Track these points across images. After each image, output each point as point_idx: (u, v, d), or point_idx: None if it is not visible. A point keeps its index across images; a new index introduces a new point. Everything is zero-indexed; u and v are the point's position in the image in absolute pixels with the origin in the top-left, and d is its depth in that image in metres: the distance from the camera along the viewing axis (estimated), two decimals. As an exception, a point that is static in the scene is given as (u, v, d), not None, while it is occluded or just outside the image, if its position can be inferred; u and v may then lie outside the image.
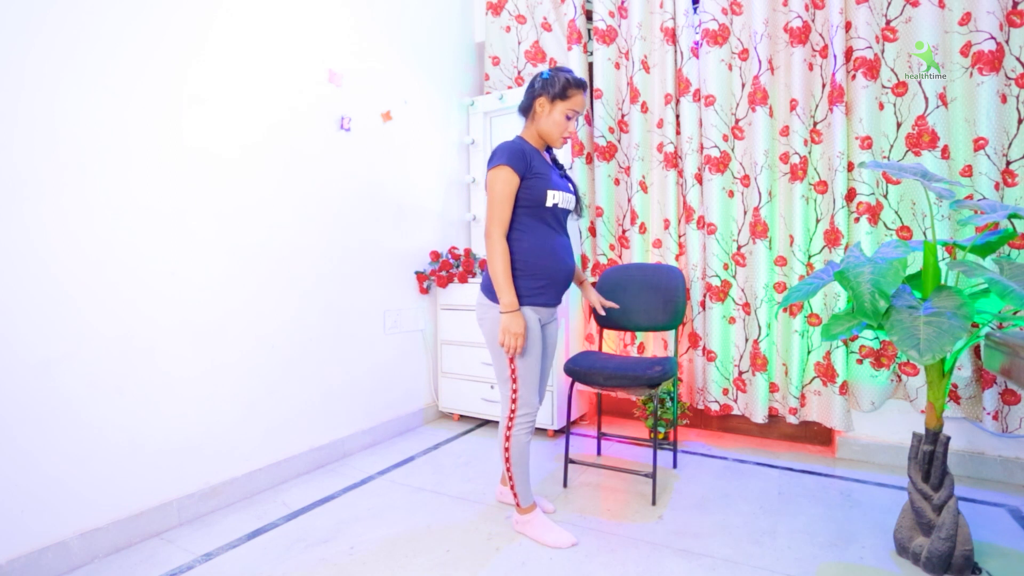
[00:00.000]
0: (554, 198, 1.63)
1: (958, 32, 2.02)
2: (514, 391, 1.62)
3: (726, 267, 2.48)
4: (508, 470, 1.65)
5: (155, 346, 1.73)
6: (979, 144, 1.97)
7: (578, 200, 1.77)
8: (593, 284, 2.41)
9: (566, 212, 1.70)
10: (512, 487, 1.66)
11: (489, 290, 1.64)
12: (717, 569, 1.50)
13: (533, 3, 3.01)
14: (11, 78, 1.42)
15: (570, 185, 1.75)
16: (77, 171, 1.54)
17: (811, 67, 2.30)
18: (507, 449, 1.64)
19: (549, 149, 1.77)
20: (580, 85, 1.63)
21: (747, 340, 2.45)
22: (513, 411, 1.63)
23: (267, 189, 2.07)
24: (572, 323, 2.72)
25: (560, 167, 1.78)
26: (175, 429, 1.78)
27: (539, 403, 1.69)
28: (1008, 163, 1.97)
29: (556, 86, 1.61)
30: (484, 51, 3.21)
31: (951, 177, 2.06)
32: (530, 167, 1.60)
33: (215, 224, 1.90)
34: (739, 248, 2.47)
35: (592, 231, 2.83)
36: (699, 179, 2.52)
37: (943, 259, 1.94)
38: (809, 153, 2.32)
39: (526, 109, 1.69)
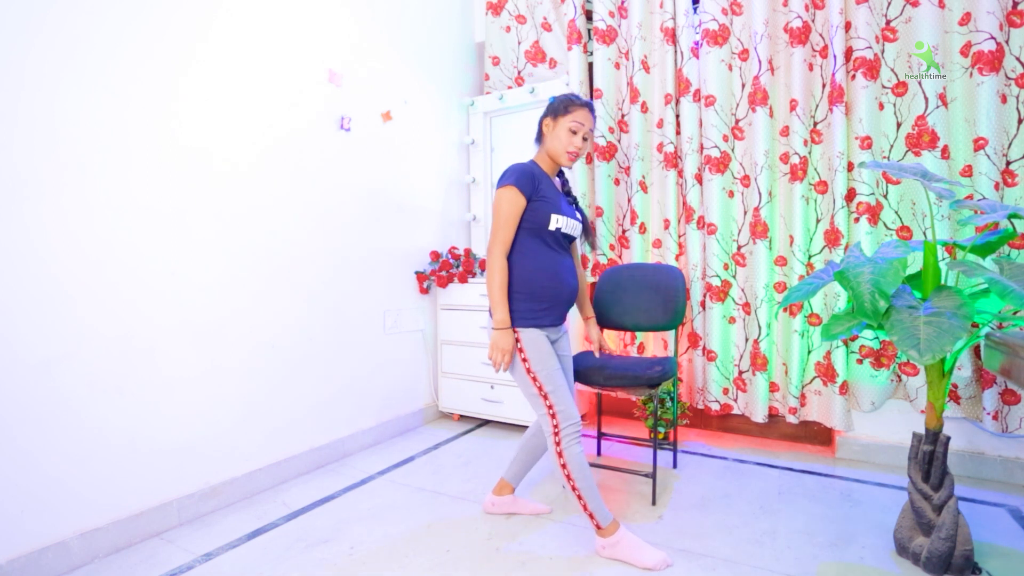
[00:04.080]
0: (557, 222, 1.63)
1: (958, 32, 2.02)
2: (549, 406, 1.57)
3: (726, 267, 2.48)
4: (573, 489, 1.54)
5: (155, 347, 1.73)
6: (979, 144, 1.97)
7: (586, 228, 1.79)
8: (592, 285, 2.41)
9: (570, 237, 1.70)
10: (585, 507, 1.55)
11: None
12: (717, 569, 1.50)
13: (533, 3, 3.01)
14: (11, 77, 1.42)
15: (578, 214, 1.75)
16: (77, 171, 1.54)
17: (811, 67, 2.30)
18: (564, 466, 1.54)
19: (561, 175, 1.78)
20: (582, 101, 1.65)
21: (747, 340, 2.45)
22: (556, 425, 1.56)
23: (267, 189, 2.07)
24: (572, 323, 2.72)
25: (571, 197, 1.78)
26: (175, 429, 1.78)
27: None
28: (1008, 163, 1.97)
29: (559, 104, 1.65)
30: (484, 51, 3.21)
31: (951, 177, 2.06)
32: (537, 190, 1.61)
33: (214, 224, 1.90)
34: (739, 248, 2.47)
35: (592, 231, 2.82)
36: (699, 179, 2.52)
37: (943, 259, 1.94)
38: (809, 153, 2.32)
39: (538, 136, 1.72)
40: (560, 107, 1.65)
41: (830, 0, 2.18)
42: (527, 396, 1.63)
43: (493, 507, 1.85)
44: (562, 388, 1.59)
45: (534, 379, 1.58)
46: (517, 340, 1.59)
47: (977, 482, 2.06)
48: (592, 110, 1.66)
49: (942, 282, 1.47)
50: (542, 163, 1.70)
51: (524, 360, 1.58)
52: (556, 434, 1.56)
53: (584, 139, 1.66)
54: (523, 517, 1.82)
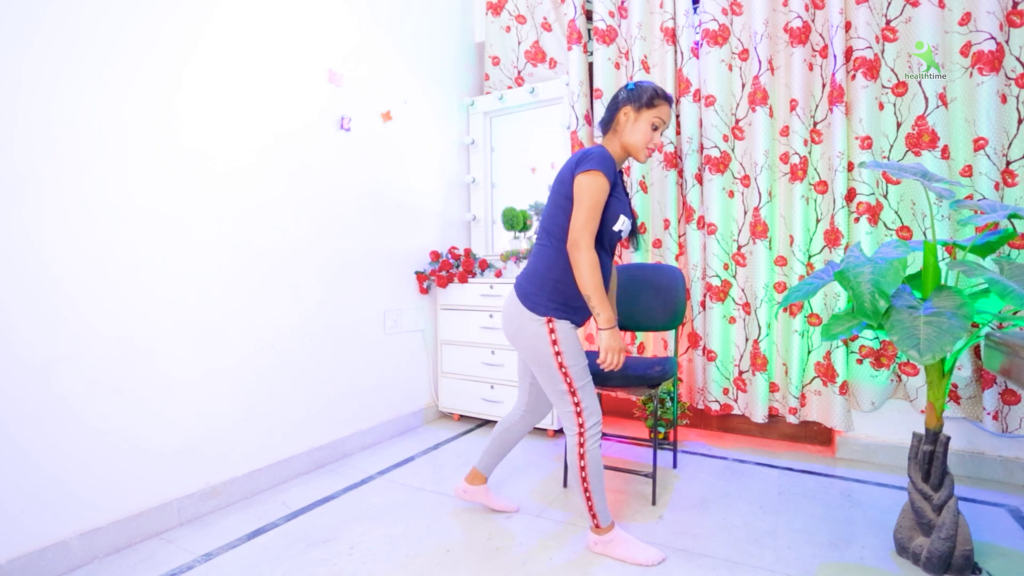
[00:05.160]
0: (622, 224, 1.55)
1: (958, 32, 2.02)
2: (577, 404, 1.53)
3: (726, 267, 2.48)
4: (586, 490, 1.53)
5: (155, 347, 1.73)
6: (979, 144, 1.97)
7: (634, 229, 1.68)
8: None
9: (620, 238, 1.63)
10: (590, 507, 1.55)
11: (530, 300, 1.54)
12: (717, 569, 1.50)
13: (533, 3, 3.01)
14: (9, 77, 1.41)
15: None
16: (76, 171, 1.54)
17: (811, 67, 2.30)
18: (583, 468, 1.52)
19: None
20: (667, 98, 1.57)
21: (747, 340, 2.45)
22: (582, 424, 1.52)
23: (266, 190, 2.07)
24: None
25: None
26: (175, 429, 1.78)
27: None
28: (1008, 163, 1.97)
29: (643, 96, 1.55)
30: (484, 51, 3.21)
31: (951, 177, 2.06)
32: (616, 184, 1.54)
33: (214, 224, 1.90)
34: (739, 248, 2.47)
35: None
36: (699, 179, 2.52)
37: (943, 259, 1.94)
38: (809, 153, 2.32)
39: (607, 123, 1.61)
40: (645, 98, 1.54)
41: (830, 0, 2.18)
42: (552, 392, 1.56)
43: (465, 495, 1.86)
44: (590, 384, 1.56)
45: (565, 374, 1.52)
46: (552, 331, 1.51)
47: (977, 482, 2.06)
48: (672, 105, 1.59)
49: (942, 282, 1.47)
50: (615, 154, 1.59)
51: (558, 353, 1.51)
52: (581, 434, 1.53)
53: (660, 135, 1.60)
54: (525, 517, 1.82)
